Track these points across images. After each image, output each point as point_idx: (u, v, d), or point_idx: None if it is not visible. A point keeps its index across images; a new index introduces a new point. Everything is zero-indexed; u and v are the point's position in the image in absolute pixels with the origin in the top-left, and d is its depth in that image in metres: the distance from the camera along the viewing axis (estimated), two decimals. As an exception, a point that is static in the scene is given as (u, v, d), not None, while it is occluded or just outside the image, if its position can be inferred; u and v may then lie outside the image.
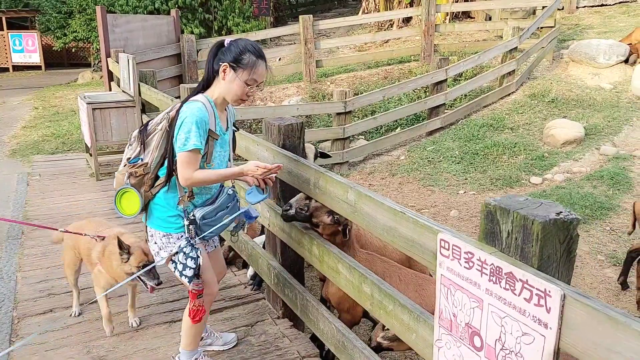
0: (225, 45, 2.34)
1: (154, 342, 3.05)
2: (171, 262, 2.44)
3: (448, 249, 1.77)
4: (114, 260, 2.83)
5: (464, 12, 14.41)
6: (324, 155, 4.58)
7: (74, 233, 3.09)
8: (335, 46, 12.82)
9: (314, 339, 3.19)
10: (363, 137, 8.56)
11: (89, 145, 6.24)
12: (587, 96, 9.02)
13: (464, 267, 1.70)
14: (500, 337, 1.60)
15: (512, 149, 7.51)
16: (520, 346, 1.54)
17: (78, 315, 3.31)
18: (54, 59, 19.46)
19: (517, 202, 1.65)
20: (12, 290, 3.67)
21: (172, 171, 2.36)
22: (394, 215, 2.06)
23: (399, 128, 8.84)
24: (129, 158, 2.44)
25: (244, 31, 13.73)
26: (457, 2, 13.66)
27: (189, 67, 9.77)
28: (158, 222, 2.44)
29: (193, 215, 2.39)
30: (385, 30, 14.09)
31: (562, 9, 13.60)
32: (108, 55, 8.39)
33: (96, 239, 3.00)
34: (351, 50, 13.52)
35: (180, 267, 2.38)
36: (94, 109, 6.05)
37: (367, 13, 14.88)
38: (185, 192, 2.38)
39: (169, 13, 12.64)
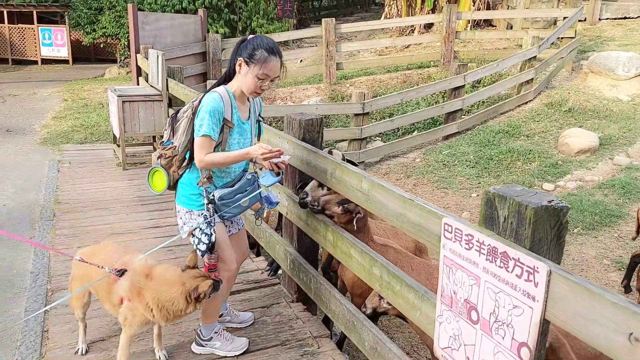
0: (243, 42, 2.56)
1: (177, 317, 3.27)
2: (192, 236, 2.67)
3: (451, 232, 1.96)
4: (169, 305, 2.43)
5: (485, 20, 14.51)
6: (350, 163, 4.70)
7: (90, 263, 2.54)
8: (356, 49, 13.05)
9: (326, 322, 3.39)
10: (380, 138, 8.74)
11: (118, 136, 6.52)
12: (604, 107, 9.09)
13: (465, 248, 1.89)
14: (494, 310, 1.79)
15: (527, 155, 7.63)
16: (511, 318, 1.72)
17: (85, 353, 2.88)
18: (81, 54, 19.97)
19: (514, 191, 1.83)
20: (45, 265, 3.93)
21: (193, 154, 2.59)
22: (403, 202, 2.25)
23: (415, 131, 9.00)
24: (162, 141, 2.69)
25: (267, 32, 14.00)
26: (479, 10, 13.79)
27: (214, 65, 10.06)
28: (183, 199, 2.68)
29: (213, 196, 2.61)
30: (406, 35, 14.26)
31: (585, 20, 13.63)
32: (137, 52, 8.70)
33: (113, 273, 2.50)
34: (371, 54, 13.71)
35: (196, 240, 2.62)
36: (123, 102, 6.33)
37: (389, 18, 15.06)
38: (205, 172, 2.60)
39: (195, 12, 12.98)
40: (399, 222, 2.30)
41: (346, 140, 7.85)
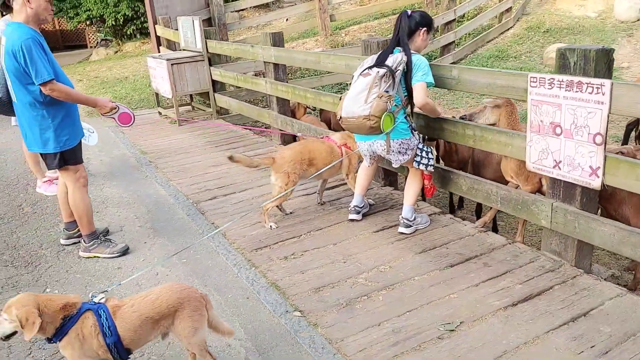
0: (411, 15, 3.41)
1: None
2: (415, 161, 3.54)
3: (536, 81, 2.99)
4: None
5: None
6: None
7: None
8: (339, 2, 13.80)
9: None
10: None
11: (171, 96, 7.31)
12: (576, 24, 10.24)
13: (547, 88, 2.93)
14: (573, 121, 2.85)
15: (519, 73, 8.74)
16: (586, 121, 2.78)
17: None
18: (49, 43, 20.18)
19: (576, 45, 2.87)
20: (175, 189, 4.86)
21: (403, 99, 3.41)
22: (491, 74, 3.28)
23: (415, 67, 10.00)
24: (386, 91, 3.29)
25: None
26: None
27: (220, 29, 10.75)
28: (403, 132, 3.44)
29: (414, 124, 3.57)
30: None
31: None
32: (155, 22, 9.38)
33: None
34: (352, 5, 14.49)
35: (425, 160, 3.50)
36: (172, 65, 7.12)
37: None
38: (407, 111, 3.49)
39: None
40: (488, 89, 3.33)
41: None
